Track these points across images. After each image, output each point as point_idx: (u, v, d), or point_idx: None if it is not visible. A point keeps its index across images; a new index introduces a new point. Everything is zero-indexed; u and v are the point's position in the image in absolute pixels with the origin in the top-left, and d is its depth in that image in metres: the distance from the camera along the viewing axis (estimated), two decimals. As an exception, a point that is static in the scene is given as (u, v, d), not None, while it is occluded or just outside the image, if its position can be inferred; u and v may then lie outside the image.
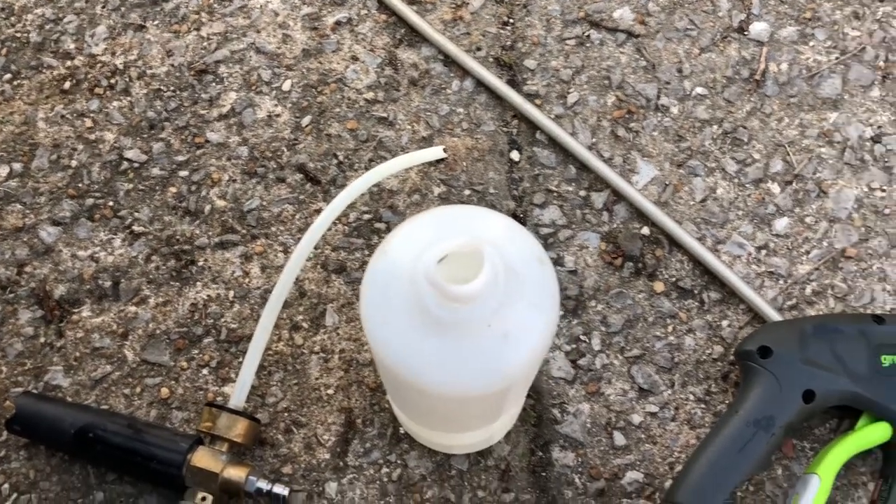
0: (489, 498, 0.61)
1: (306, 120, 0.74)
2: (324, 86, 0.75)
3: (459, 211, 0.50)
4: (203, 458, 0.58)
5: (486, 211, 0.47)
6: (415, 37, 0.77)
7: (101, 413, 0.61)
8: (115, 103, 0.75)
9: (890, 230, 0.69)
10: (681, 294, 0.67)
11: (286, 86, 0.75)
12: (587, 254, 0.69)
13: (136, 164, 0.72)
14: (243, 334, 0.66)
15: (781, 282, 0.67)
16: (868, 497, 0.60)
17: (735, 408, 0.59)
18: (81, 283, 0.68)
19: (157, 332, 0.66)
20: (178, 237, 0.69)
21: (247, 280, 0.68)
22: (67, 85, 0.75)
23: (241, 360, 0.64)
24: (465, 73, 0.75)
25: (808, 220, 0.70)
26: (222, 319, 0.66)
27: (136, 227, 0.70)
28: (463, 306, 0.40)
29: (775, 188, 0.71)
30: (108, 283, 0.68)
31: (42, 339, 0.66)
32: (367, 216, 0.70)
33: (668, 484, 0.61)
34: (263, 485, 0.58)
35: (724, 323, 0.66)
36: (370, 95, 0.75)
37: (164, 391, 0.64)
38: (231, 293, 0.67)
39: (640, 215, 0.70)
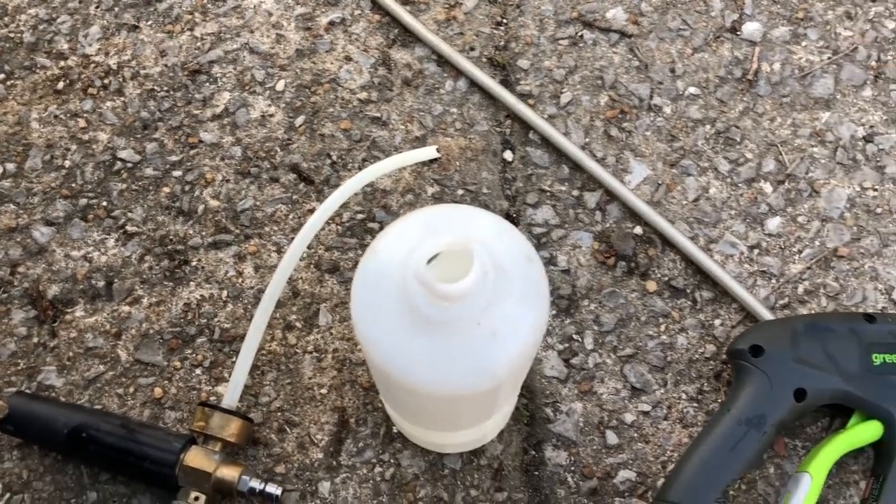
0: (482, 497, 0.61)
1: (300, 120, 0.74)
2: (317, 86, 0.75)
3: (449, 210, 0.50)
4: (196, 458, 0.58)
5: (475, 210, 0.47)
6: (408, 37, 0.77)
7: (95, 413, 0.61)
8: (109, 103, 0.75)
9: (882, 229, 0.69)
10: (673, 293, 0.67)
11: (280, 86, 0.75)
12: (580, 253, 0.69)
13: (129, 165, 0.72)
14: (236, 334, 0.66)
15: (773, 281, 0.68)
16: (859, 495, 0.60)
17: (727, 406, 0.59)
18: (75, 283, 0.68)
19: (151, 331, 0.66)
20: (171, 237, 0.69)
21: (240, 280, 0.68)
22: (61, 85, 0.75)
23: (234, 359, 0.64)
24: (458, 73, 0.75)
25: (800, 219, 0.70)
26: (216, 319, 0.66)
27: (129, 227, 0.70)
28: (452, 305, 0.41)
29: (768, 188, 0.71)
30: (101, 283, 0.68)
31: (35, 339, 0.66)
32: (360, 216, 0.70)
33: (660, 483, 0.61)
34: (256, 484, 0.58)
35: (717, 322, 0.66)
36: (364, 95, 0.75)
37: (158, 391, 0.64)
38: (224, 293, 0.67)
39: (633, 215, 0.70)
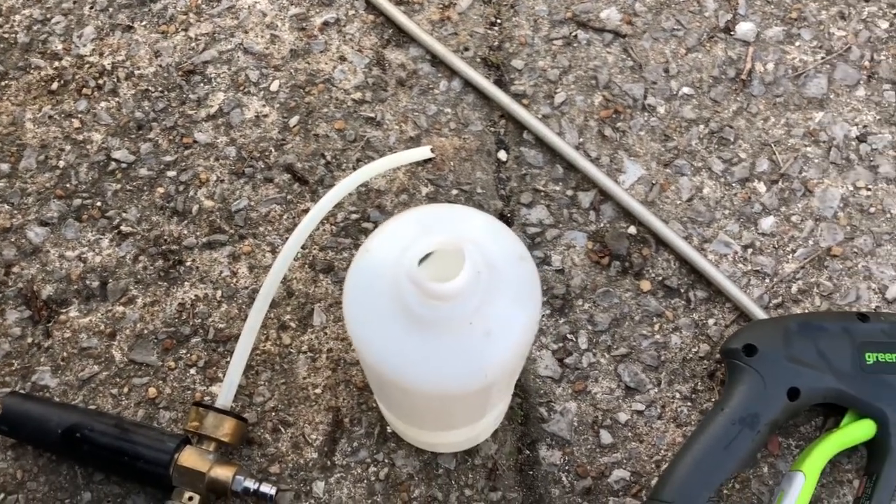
0: (476, 496, 0.61)
1: (294, 120, 0.74)
2: (311, 86, 0.75)
3: (441, 210, 0.50)
4: (190, 458, 0.58)
5: (468, 209, 0.47)
6: (402, 37, 0.77)
7: (89, 413, 0.61)
8: (103, 104, 0.75)
9: (875, 229, 0.69)
10: (667, 293, 0.67)
11: (274, 86, 0.75)
12: (574, 253, 0.69)
13: (123, 165, 0.72)
14: (231, 334, 0.66)
15: (767, 280, 0.68)
16: (853, 494, 0.61)
17: (721, 406, 0.59)
18: (69, 284, 0.68)
19: (145, 332, 0.66)
20: (165, 237, 0.69)
21: (234, 280, 0.68)
22: (55, 85, 0.75)
23: (228, 359, 0.64)
24: (452, 73, 0.75)
25: (793, 218, 0.70)
26: (210, 319, 0.67)
27: (123, 228, 0.70)
28: (444, 304, 0.41)
29: (761, 187, 0.71)
30: (95, 284, 0.68)
31: (29, 340, 0.66)
32: (354, 216, 0.70)
33: (654, 482, 0.61)
34: (251, 484, 0.58)
35: (711, 321, 0.66)
36: (358, 96, 0.75)
37: (152, 391, 0.64)
38: (219, 293, 0.67)
39: (627, 214, 0.70)
